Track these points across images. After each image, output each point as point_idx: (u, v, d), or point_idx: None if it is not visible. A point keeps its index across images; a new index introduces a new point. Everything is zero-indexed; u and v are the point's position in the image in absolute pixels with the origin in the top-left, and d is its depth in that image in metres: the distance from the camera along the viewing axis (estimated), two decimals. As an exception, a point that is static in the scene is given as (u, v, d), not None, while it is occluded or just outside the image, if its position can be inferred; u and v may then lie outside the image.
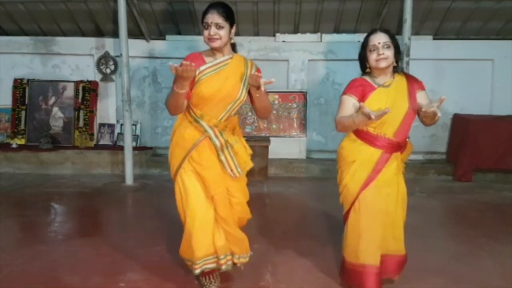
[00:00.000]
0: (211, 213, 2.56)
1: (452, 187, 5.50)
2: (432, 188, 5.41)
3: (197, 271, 2.55)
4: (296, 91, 6.28)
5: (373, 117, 2.25)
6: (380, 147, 2.58)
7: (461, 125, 5.91)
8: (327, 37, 6.32)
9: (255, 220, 4.22)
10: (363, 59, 2.65)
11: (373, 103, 2.51)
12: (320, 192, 5.29)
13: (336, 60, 6.33)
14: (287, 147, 6.22)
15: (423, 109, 2.44)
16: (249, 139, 5.96)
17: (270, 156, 5.88)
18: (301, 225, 4.13)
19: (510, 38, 6.25)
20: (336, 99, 6.40)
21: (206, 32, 2.47)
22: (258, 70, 2.61)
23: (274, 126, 6.26)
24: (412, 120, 2.61)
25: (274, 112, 6.25)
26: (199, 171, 2.55)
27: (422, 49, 5.91)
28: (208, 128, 2.51)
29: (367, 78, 2.66)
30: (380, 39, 2.55)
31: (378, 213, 2.58)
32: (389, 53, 2.54)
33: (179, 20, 6.17)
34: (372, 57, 2.56)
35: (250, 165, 2.73)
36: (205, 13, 2.49)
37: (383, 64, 2.54)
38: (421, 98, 2.58)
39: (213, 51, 2.55)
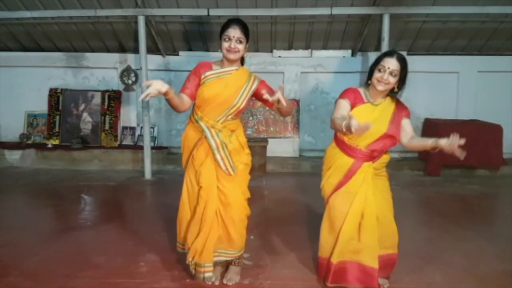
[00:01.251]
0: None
1: (423, 181, 5.50)
2: (406, 182, 5.42)
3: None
4: (290, 99, 6.20)
5: (353, 130, 2.04)
6: (353, 156, 2.48)
7: (431, 128, 5.92)
8: (316, 53, 6.32)
9: (256, 209, 4.24)
10: (371, 71, 2.47)
11: (357, 115, 2.30)
12: (311, 185, 5.28)
13: (324, 72, 6.33)
14: (282, 146, 6.22)
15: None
16: (249, 140, 5.97)
17: (268, 154, 5.88)
18: (295, 213, 4.13)
19: (473, 54, 6.25)
20: (324, 106, 6.42)
21: (226, 44, 2.42)
22: (261, 82, 2.59)
23: (271, 128, 6.26)
24: (389, 143, 2.45)
25: (272, 116, 6.25)
26: (196, 168, 2.53)
27: None
28: (206, 129, 2.46)
29: (361, 91, 2.53)
30: (391, 65, 2.36)
31: (343, 215, 2.47)
32: (393, 80, 2.38)
33: (190, 38, 6.17)
34: (376, 75, 2.40)
35: (248, 164, 2.61)
36: (227, 26, 2.43)
37: (380, 87, 2.40)
38: (405, 124, 2.47)
39: (223, 61, 2.52)
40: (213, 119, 2.47)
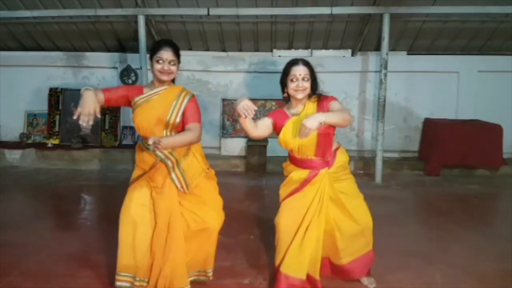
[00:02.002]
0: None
1: (423, 180, 5.50)
2: (406, 181, 5.41)
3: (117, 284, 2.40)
4: (290, 99, 6.27)
5: (239, 108, 2.20)
6: (306, 167, 2.49)
7: (431, 127, 5.92)
8: (316, 53, 6.32)
9: (256, 209, 4.24)
10: (283, 85, 2.51)
11: (288, 131, 2.44)
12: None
13: (324, 72, 6.30)
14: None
15: None
16: (250, 139, 5.99)
17: (268, 154, 5.88)
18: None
19: (473, 53, 6.25)
20: (324, 106, 6.41)
21: (158, 66, 2.35)
22: (192, 98, 2.46)
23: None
24: (327, 138, 2.43)
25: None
26: (153, 189, 2.40)
27: (397, 63, 5.90)
28: (158, 152, 2.34)
29: (284, 108, 2.58)
30: (301, 71, 2.42)
31: (292, 220, 2.47)
32: (307, 85, 2.43)
33: (190, 38, 6.17)
34: (292, 86, 2.44)
35: (206, 177, 2.53)
36: (158, 48, 2.37)
37: (300, 95, 2.43)
38: (333, 106, 2.44)
39: (154, 83, 2.44)
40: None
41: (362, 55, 6.27)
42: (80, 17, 5.74)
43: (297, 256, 2.42)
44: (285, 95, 2.52)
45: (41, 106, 6.45)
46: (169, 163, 2.37)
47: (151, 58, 2.41)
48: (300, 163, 2.52)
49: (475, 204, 4.56)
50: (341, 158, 2.55)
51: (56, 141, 6.34)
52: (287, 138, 2.45)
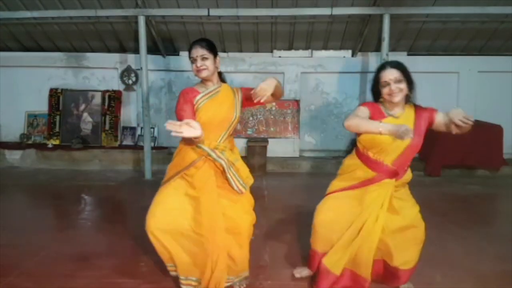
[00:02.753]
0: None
1: (423, 181, 5.50)
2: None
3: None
4: (290, 99, 6.28)
5: (403, 134, 2.05)
6: (377, 171, 2.40)
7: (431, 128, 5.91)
8: (317, 53, 6.32)
9: (256, 209, 4.23)
10: (375, 93, 2.43)
11: None
12: (311, 185, 5.29)
13: (324, 72, 6.33)
14: (282, 146, 6.22)
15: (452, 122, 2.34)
16: (250, 140, 6.00)
17: (268, 154, 5.88)
18: (295, 213, 4.13)
19: (473, 54, 6.25)
20: (324, 106, 6.42)
21: (194, 66, 2.38)
22: (242, 89, 2.58)
23: (272, 128, 6.26)
24: (413, 152, 2.40)
25: (272, 117, 6.26)
26: (194, 187, 2.39)
27: None
28: (210, 151, 2.35)
29: (380, 105, 2.44)
30: (391, 75, 2.32)
31: (341, 215, 2.47)
32: (403, 86, 2.33)
33: (191, 38, 6.16)
34: (385, 91, 2.34)
35: (251, 179, 2.59)
36: (190, 50, 2.40)
37: (397, 98, 2.33)
38: (439, 118, 2.45)
39: (204, 82, 2.46)
40: (215, 139, 2.40)
41: (362, 56, 6.27)
42: (80, 17, 5.74)
43: (342, 254, 2.43)
44: (381, 100, 2.43)
45: (42, 106, 6.46)
46: (223, 162, 2.36)
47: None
48: (371, 164, 2.42)
49: (476, 204, 4.56)
50: (409, 175, 2.52)
51: (56, 142, 6.34)
52: (379, 137, 2.27)
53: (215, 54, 2.43)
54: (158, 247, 2.37)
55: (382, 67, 2.38)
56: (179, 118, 2.27)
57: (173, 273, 2.48)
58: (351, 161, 2.56)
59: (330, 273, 2.44)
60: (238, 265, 2.48)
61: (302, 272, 2.75)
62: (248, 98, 2.49)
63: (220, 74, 2.55)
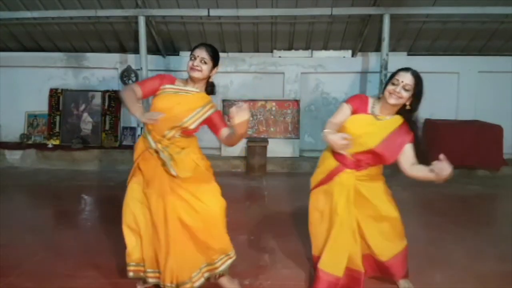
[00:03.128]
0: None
1: (423, 181, 5.48)
2: (405, 182, 5.33)
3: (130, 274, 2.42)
4: (290, 99, 6.28)
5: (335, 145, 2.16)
6: (338, 160, 2.49)
7: (431, 128, 5.91)
8: (317, 53, 6.32)
9: (256, 209, 4.24)
10: (386, 83, 2.41)
11: (354, 122, 2.40)
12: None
13: (324, 73, 6.33)
14: (283, 147, 6.22)
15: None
16: (250, 140, 6.00)
17: (268, 154, 5.88)
18: (295, 214, 4.13)
19: (473, 54, 6.25)
20: (324, 106, 6.42)
21: (190, 63, 2.37)
22: (217, 111, 2.47)
23: (272, 129, 6.26)
24: (376, 160, 2.43)
25: (272, 117, 6.26)
26: (145, 179, 2.42)
27: (398, 63, 5.79)
28: (152, 143, 2.36)
29: (370, 100, 2.46)
30: (405, 79, 2.31)
31: (317, 211, 2.60)
32: (405, 95, 2.31)
33: (190, 38, 6.17)
34: (389, 88, 2.34)
35: (203, 165, 2.46)
36: (194, 48, 2.40)
37: (392, 100, 2.33)
38: (407, 149, 2.37)
39: (187, 80, 2.45)
40: (160, 133, 2.36)
41: (362, 56, 6.28)
42: (80, 17, 5.75)
43: (334, 254, 2.44)
44: (380, 96, 2.45)
45: (42, 106, 6.46)
46: (162, 155, 2.34)
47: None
48: (336, 154, 2.49)
49: (475, 204, 4.56)
50: (375, 170, 2.54)
51: (57, 142, 6.34)
52: (350, 125, 2.37)
53: (215, 64, 2.43)
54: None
55: (405, 69, 2.36)
56: (137, 84, 2.38)
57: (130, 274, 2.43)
58: (326, 151, 2.63)
59: (330, 275, 2.44)
60: (215, 251, 2.47)
61: None
62: (212, 125, 2.45)
63: (210, 85, 2.51)
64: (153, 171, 2.39)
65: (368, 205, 2.51)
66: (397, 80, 2.32)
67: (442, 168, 2.19)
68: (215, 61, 2.43)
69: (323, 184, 2.55)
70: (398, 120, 2.41)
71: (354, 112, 2.42)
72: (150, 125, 2.34)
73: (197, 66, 2.36)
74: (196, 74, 2.37)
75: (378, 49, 5.80)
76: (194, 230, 2.38)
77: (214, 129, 2.44)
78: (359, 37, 5.94)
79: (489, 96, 6.17)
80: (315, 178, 2.65)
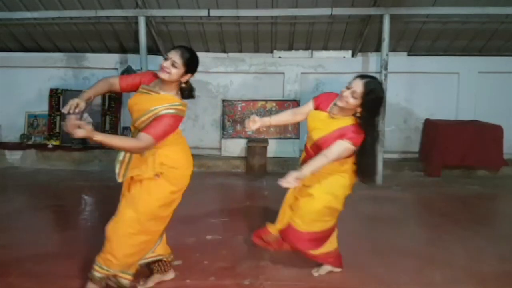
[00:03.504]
0: None
1: (423, 181, 5.50)
2: (406, 182, 5.41)
3: None
4: (290, 100, 6.28)
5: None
6: (305, 151, 2.78)
7: (432, 128, 5.92)
8: (317, 54, 6.33)
9: (256, 210, 4.25)
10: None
11: (311, 117, 2.62)
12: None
13: (324, 73, 6.34)
14: (283, 147, 6.22)
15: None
16: (250, 140, 6.00)
17: (268, 155, 5.89)
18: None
19: (473, 55, 6.26)
20: (324, 106, 6.42)
21: (163, 62, 2.34)
22: (167, 114, 2.31)
23: (271, 129, 6.26)
24: (320, 145, 2.51)
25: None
26: None
27: (398, 63, 5.91)
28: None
29: (335, 99, 2.52)
30: (356, 86, 2.35)
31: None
32: (351, 101, 2.36)
33: (190, 39, 6.18)
34: (342, 91, 2.41)
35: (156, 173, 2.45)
36: (172, 48, 2.37)
37: (338, 102, 2.42)
38: (335, 143, 2.41)
39: (161, 82, 2.38)
40: (134, 123, 2.45)
41: (363, 56, 6.28)
42: (80, 18, 5.75)
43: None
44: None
45: (42, 107, 6.46)
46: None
47: None
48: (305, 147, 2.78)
49: (476, 204, 4.57)
50: (332, 168, 2.56)
51: (57, 142, 6.35)
52: (309, 119, 2.64)
53: (187, 71, 2.35)
54: None
55: (362, 76, 2.41)
56: (120, 76, 2.52)
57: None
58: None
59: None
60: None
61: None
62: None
63: (187, 90, 2.44)
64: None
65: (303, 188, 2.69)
66: (350, 84, 2.39)
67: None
68: (188, 68, 2.34)
69: None
70: (350, 120, 2.46)
71: (316, 107, 2.64)
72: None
73: (166, 67, 2.30)
74: (163, 76, 2.31)
75: (378, 49, 5.80)
76: None
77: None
78: (359, 37, 5.95)
79: (489, 96, 6.17)
80: None
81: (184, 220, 3.58)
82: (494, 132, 5.62)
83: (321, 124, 2.54)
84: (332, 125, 2.48)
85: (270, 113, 6.26)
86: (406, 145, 6.35)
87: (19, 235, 3.42)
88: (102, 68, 6.44)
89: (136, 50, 6.01)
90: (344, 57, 6.30)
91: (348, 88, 2.38)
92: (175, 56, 2.31)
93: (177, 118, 2.35)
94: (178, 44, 6.23)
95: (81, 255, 3.04)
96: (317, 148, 2.54)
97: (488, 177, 5.68)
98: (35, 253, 3.06)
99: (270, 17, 5.71)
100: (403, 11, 5.24)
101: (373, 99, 2.37)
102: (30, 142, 6.40)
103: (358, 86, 2.34)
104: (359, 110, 2.40)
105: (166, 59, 2.33)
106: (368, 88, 2.34)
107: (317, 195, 2.62)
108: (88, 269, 2.80)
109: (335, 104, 2.49)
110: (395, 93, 6.06)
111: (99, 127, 6.32)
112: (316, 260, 2.78)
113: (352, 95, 2.35)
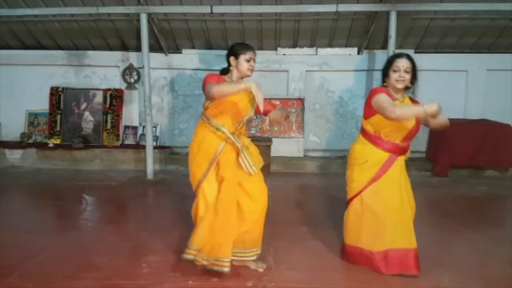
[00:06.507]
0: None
1: (430, 181, 5.48)
2: (413, 182, 5.32)
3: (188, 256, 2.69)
4: (295, 98, 6.28)
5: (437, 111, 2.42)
6: (388, 150, 2.73)
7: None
8: (322, 51, 6.32)
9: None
10: (384, 74, 2.75)
11: None
12: (315, 185, 5.30)
13: (330, 71, 6.33)
14: (287, 146, 6.22)
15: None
16: (253, 139, 5.98)
17: (272, 154, 5.88)
18: (299, 214, 4.13)
19: (482, 52, 6.23)
20: (329, 105, 6.42)
21: (247, 65, 2.69)
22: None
23: (275, 128, 6.26)
24: (416, 132, 2.76)
25: (276, 116, 6.26)
26: (221, 173, 2.66)
27: None
28: (230, 135, 2.65)
29: (389, 90, 2.73)
30: (404, 63, 2.65)
31: (379, 206, 2.69)
32: (408, 77, 2.67)
33: (193, 36, 6.18)
34: (394, 76, 2.67)
35: (262, 162, 2.81)
36: (246, 49, 2.69)
37: (400, 85, 2.67)
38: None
39: (232, 76, 2.75)
40: (234, 126, 2.69)
41: (369, 54, 6.26)
42: (81, 15, 5.77)
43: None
44: (385, 84, 2.76)
45: (42, 105, 6.49)
46: (239, 145, 2.65)
47: (236, 56, 2.70)
48: (384, 144, 2.73)
49: (484, 205, 4.54)
50: (408, 151, 2.87)
51: (57, 141, 6.37)
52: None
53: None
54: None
55: (399, 55, 2.71)
56: (207, 83, 2.59)
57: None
58: (361, 146, 2.82)
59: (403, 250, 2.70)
60: (251, 240, 2.74)
61: None
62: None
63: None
64: (230, 161, 2.66)
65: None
66: (397, 66, 2.67)
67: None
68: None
69: (378, 179, 2.72)
70: (407, 97, 2.80)
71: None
72: (219, 119, 2.65)
73: (253, 68, 2.73)
74: (251, 75, 2.76)
75: (384, 46, 5.78)
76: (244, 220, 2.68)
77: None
78: (365, 34, 5.93)
79: (498, 94, 6.15)
80: (365, 177, 2.76)
81: (186, 222, 3.59)
82: (503, 131, 5.60)
83: None
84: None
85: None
86: (413, 145, 6.20)
87: (19, 236, 3.43)
88: (103, 66, 6.46)
89: (138, 48, 6.03)
90: (349, 54, 6.29)
91: (396, 70, 2.66)
92: (254, 56, 2.71)
93: None
94: (180, 41, 6.29)
95: (82, 256, 3.04)
96: (414, 133, 2.73)
97: (497, 178, 5.65)
98: (35, 253, 3.07)
99: (274, 14, 5.70)
100: (410, 7, 5.22)
101: (416, 66, 2.72)
102: (30, 141, 6.43)
103: (406, 62, 2.66)
104: (408, 82, 2.70)
105: (248, 60, 2.69)
106: (412, 60, 2.70)
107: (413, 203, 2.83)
108: (87, 270, 2.81)
109: (393, 91, 2.71)
110: (401, 91, 6.04)
111: (101, 125, 6.34)
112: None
113: (405, 73, 2.65)
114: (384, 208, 2.68)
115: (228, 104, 2.64)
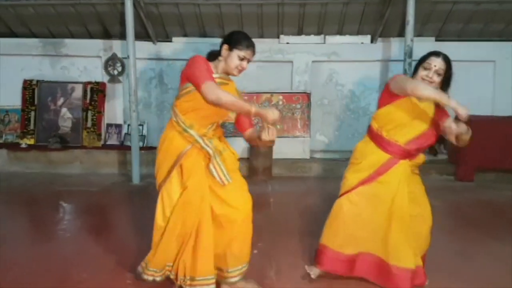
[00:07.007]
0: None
1: (453, 186, 5.49)
2: (434, 187, 5.35)
3: (148, 278, 2.68)
4: (299, 92, 6.29)
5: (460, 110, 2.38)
6: (388, 151, 2.70)
7: (463, 125, 5.91)
8: (330, 39, 6.34)
9: (260, 219, 4.25)
10: (415, 69, 2.75)
11: (402, 105, 2.65)
12: (322, 191, 5.30)
13: (339, 61, 6.35)
14: (291, 147, 6.24)
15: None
16: (253, 139, 6.00)
17: (274, 156, 5.90)
18: (304, 224, 4.14)
19: (511, 40, 6.24)
20: (339, 100, 6.43)
21: (237, 62, 2.57)
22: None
23: (278, 126, 6.27)
24: (428, 141, 2.71)
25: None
26: (184, 179, 2.54)
27: (424, 50, 5.78)
28: (198, 137, 2.52)
29: None
30: (437, 63, 2.64)
31: (369, 208, 2.72)
32: (437, 79, 2.64)
33: (185, 22, 6.20)
34: (422, 73, 2.65)
35: (237, 171, 2.69)
36: (244, 45, 2.57)
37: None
38: (448, 122, 2.66)
39: (218, 66, 2.64)
40: (205, 127, 2.56)
41: (383, 42, 6.28)
42: (58, -2, 5.78)
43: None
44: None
45: (14, 100, 6.50)
46: (210, 151, 2.53)
47: (230, 47, 2.57)
48: (384, 144, 2.72)
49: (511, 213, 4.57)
50: (421, 156, 2.81)
51: (31, 141, 6.38)
52: (397, 111, 2.66)
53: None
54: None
55: (436, 53, 2.69)
56: (205, 78, 2.43)
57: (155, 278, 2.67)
58: (364, 144, 2.86)
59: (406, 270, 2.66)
60: (235, 258, 2.63)
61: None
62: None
63: None
64: (195, 167, 2.54)
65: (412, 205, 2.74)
66: (429, 64, 2.64)
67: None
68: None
69: (370, 181, 2.72)
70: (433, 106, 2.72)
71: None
72: (189, 119, 2.53)
73: (245, 68, 2.64)
74: (239, 75, 2.69)
75: (401, 34, 5.79)
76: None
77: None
78: (380, 20, 5.95)
79: (529, 88, 6.16)
80: (355, 177, 2.79)
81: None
82: (534, 130, 5.61)
83: (420, 111, 2.68)
84: (428, 111, 2.69)
85: (276, 107, 6.24)
86: (434, 145, 6.33)
87: (-11, 248, 3.44)
88: (83, 56, 6.48)
89: (122, 36, 6.04)
90: (362, 43, 6.30)
91: (426, 68, 2.63)
92: (251, 55, 2.61)
93: None
94: (170, 28, 6.30)
95: (60, 270, 3.06)
96: (425, 138, 2.70)
97: (528, 182, 5.66)
98: (8, 268, 3.08)
99: (276, -3, 5.72)
100: (430, -11, 5.24)
101: (452, 72, 2.72)
102: (0, 141, 6.44)
103: (440, 63, 2.64)
104: (440, 86, 2.68)
105: (242, 58, 2.58)
106: (449, 63, 2.69)
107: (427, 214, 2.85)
108: (67, 285, 2.82)
109: None
110: (420, 85, 6.06)
111: (80, 123, 6.36)
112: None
113: (437, 73, 2.63)
114: (360, 218, 2.73)
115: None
